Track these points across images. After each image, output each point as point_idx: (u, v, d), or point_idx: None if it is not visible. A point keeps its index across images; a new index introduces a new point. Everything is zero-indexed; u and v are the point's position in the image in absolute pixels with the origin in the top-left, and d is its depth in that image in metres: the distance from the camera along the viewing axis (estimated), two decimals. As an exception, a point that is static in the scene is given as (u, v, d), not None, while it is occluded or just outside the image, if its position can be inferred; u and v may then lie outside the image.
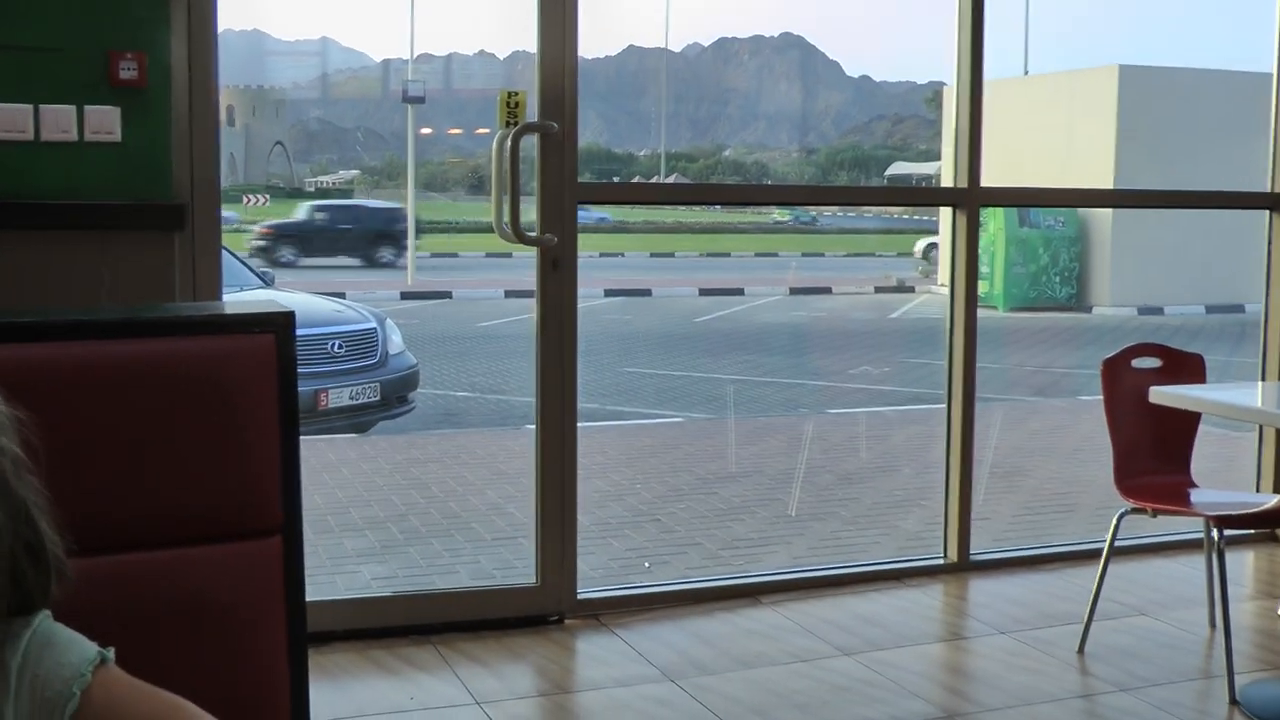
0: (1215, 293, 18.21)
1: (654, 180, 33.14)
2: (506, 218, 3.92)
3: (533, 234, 3.99)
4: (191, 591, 1.57)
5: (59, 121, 3.29)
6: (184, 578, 1.57)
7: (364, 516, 6.38)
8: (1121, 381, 3.97)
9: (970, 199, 4.68)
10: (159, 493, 1.56)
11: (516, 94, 3.99)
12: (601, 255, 24.21)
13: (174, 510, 1.56)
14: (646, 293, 19.54)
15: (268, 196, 29.72)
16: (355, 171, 36.26)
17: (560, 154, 4.00)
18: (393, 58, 32.83)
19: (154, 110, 3.37)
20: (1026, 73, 20.86)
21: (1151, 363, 4.06)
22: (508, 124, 3.96)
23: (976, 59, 4.62)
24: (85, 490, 1.50)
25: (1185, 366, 4.09)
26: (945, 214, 6.19)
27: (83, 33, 3.28)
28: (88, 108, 3.31)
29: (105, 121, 3.32)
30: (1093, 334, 16.57)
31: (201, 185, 3.54)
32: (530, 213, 4.00)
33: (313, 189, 34.15)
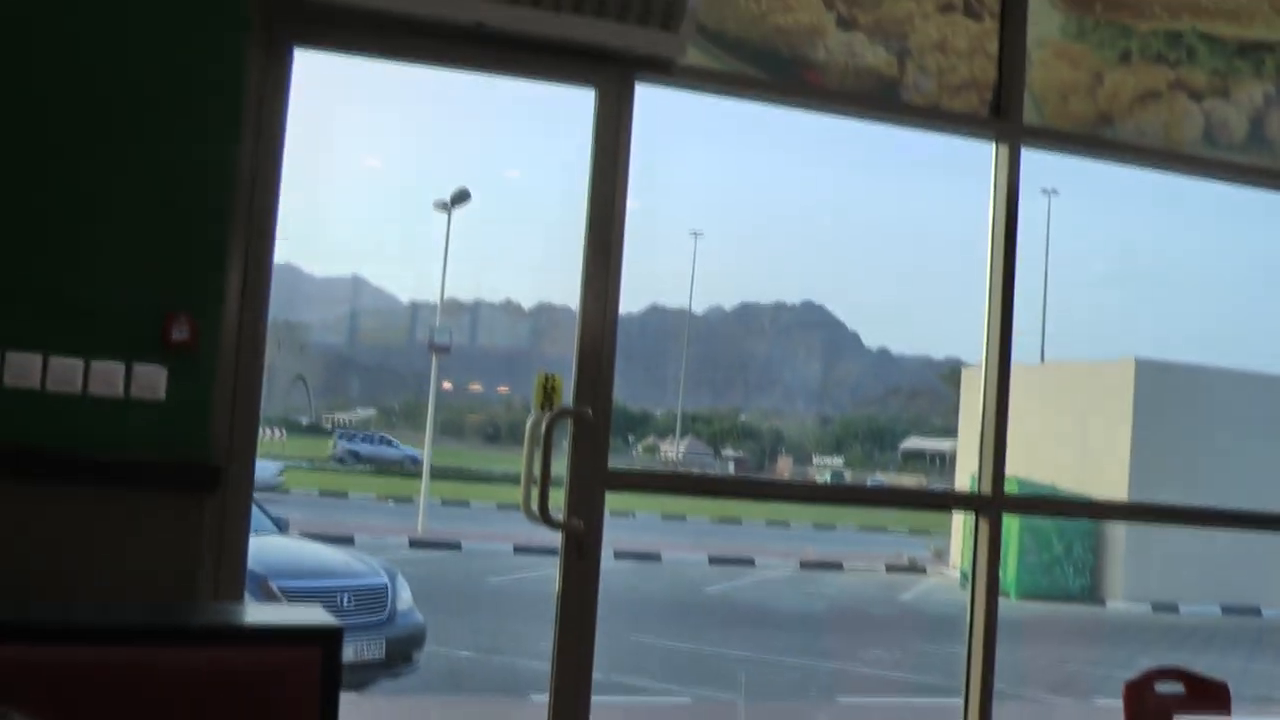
0: (1231, 593, 18.02)
1: (668, 440, 33.44)
2: (535, 502, 3.91)
3: (560, 518, 3.98)
4: None
5: (107, 377, 3.34)
6: None
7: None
8: (1144, 705, 3.90)
9: (993, 505, 4.67)
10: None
11: (553, 377, 4.04)
12: (611, 514, 24.08)
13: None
14: (656, 557, 19.39)
15: (284, 430, 29.87)
16: (373, 410, 36.54)
17: (593, 438, 4.03)
18: (420, 301, 33.39)
19: (201, 373, 3.41)
20: (1043, 360, 21.08)
21: (1174, 687, 3.99)
22: (543, 406, 3.99)
23: (1004, 364, 4.65)
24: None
25: (1209, 694, 4.02)
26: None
27: (140, 293, 3.35)
28: (136, 366, 3.36)
29: (151, 381, 3.37)
30: (1107, 629, 16.33)
31: (239, 446, 3.57)
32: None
33: (330, 426, 34.36)
